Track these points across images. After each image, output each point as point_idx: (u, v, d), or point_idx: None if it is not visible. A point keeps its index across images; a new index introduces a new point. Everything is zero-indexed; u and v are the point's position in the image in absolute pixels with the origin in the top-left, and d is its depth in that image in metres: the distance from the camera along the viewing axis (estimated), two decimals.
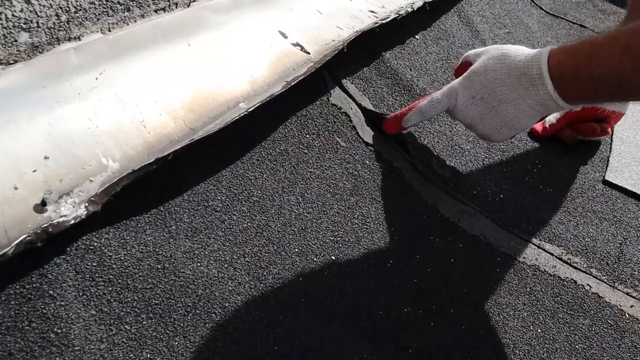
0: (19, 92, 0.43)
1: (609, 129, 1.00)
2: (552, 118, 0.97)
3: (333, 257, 0.62)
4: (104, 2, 0.50)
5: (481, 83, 0.66)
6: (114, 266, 0.48)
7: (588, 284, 0.71)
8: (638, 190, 0.91)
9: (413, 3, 0.88)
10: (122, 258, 0.48)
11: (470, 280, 0.66)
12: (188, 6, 0.59)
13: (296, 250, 0.61)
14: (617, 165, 0.96)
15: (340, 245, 0.64)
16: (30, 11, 0.44)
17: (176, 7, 0.58)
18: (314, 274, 0.59)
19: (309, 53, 0.68)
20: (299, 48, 0.68)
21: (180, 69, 0.56)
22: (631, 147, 1.02)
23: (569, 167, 0.92)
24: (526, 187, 0.84)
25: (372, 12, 0.82)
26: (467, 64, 0.72)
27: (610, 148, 1.00)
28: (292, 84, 0.62)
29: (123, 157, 0.48)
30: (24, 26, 0.45)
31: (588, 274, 0.73)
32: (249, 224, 0.59)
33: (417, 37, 1.02)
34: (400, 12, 0.83)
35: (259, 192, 0.62)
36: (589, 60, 0.57)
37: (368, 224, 0.68)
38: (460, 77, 0.70)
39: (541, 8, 1.55)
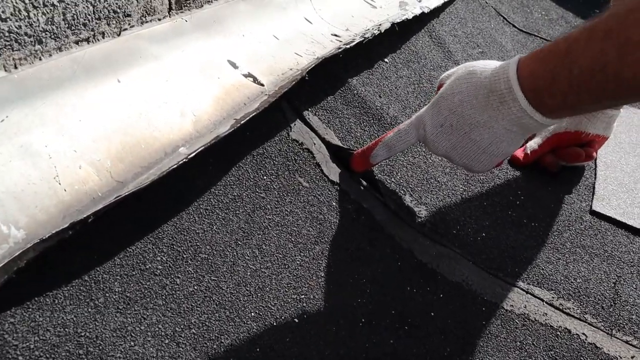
0: None
1: (594, 153, 0.95)
2: (533, 144, 0.92)
3: (296, 320, 0.55)
4: (6, 34, 0.42)
5: (449, 108, 0.60)
6: (20, 359, 0.39)
7: (583, 333, 0.65)
8: (628, 219, 0.86)
9: (380, 25, 0.82)
10: (33, 346, 0.40)
11: (453, 337, 0.59)
12: (118, 35, 0.52)
13: (252, 314, 0.53)
14: (603, 193, 0.91)
15: (304, 304, 0.56)
16: None
17: (103, 38, 0.51)
18: (273, 342, 0.52)
19: (262, 85, 0.61)
20: (252, 79, 0.61)
21: (106, 111, 0.48)
22: (616, 172, 0.97)
23: (554, 197, 0.87)
24: (509, 222, 0.78)
25: (335, 35, 0.76)
26: (441, 88, 0.66)
27: (595, 174, 0.95)
28: (242, 122, 0.55)
29: (30, 222, 0.40)
30: None
31: (582, 320, 0.67)
32: (195, 288, 0.51)
33: (386, 60, 0.96)
34: (366, 35, 0.77)
35: (208, 247, 0.55)
36: (565, 59, 0.50)
37: (335, 276, 0.60)
38: (428, 105, 0.63)
39: (514, 26, 1.51)
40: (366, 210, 0.69)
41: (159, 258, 0.51)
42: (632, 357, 0.64)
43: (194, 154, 0.50)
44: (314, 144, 0.71)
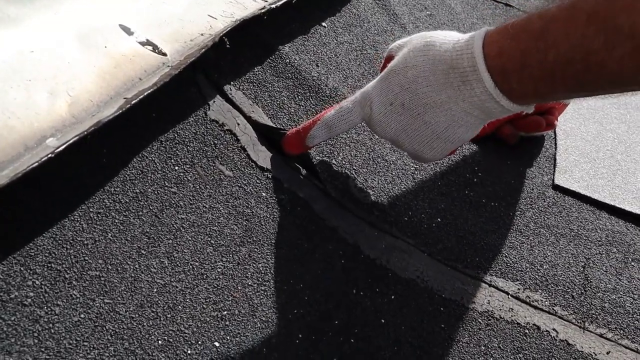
0: None
1: (555, 121, 0.88)
2: None
3: (217, 344, 0.45)
4: None
5: (400, 84, 0.50)
6: None
7: (554, 329, 0.58)
8: (592, 193, 0.79)
9: None
10: None
11: (408, 348, 0.51)
12: None
13: (160, 342, 0.43)
14: (565, 165, 0.84)
15: (228, 322, 0.46)
16: None
17: None
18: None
19: (164, 54, 0.50)
20: (151, 48, 0.50)
21: None
22: (577, 140, 0.91)
23: (514, 171, 0.79)
24: (467, 203, 0.70)
25: None
26: (390, 60, 0.56)
27: (556, 144, 0.88)
28: (134, 101, 0.43)
29: None
30: None
31: (552, 314, 0.59)
32: (82, 316, 0.41)
33: (324, 24, 0.85)
34: None
35: (100, 262, 0.44)
36: (540, 40, 0.42)
37: (267, 283, 0.50)
38: (376, 79, 0.54)
39: None
40: (303, 200, 0.59)
41: (30, 282, 0.40)
42: (607, 353, 0.57)
43: (65, 145, 0.38)
44: (238, 124, 0.60)
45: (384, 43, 0.94)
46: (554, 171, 0.82)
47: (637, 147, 0.94)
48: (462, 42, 0.47)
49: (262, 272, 0.51)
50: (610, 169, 0.86)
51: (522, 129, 0.83)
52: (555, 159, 0.84)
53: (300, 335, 0.48)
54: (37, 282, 0.40)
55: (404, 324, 0.53)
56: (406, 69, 0.50)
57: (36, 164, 0.36)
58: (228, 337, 0.46)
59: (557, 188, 0.79)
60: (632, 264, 0.69)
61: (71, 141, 0.38)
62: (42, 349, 0.38)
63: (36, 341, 0.38)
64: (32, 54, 0.42)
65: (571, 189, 0.79)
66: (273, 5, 0.62)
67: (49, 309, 0.40)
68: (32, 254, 0.41)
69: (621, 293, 0.64)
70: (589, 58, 0.39)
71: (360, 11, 0.97)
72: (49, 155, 0.37)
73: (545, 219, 0.72)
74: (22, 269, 0.40)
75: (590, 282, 0.64)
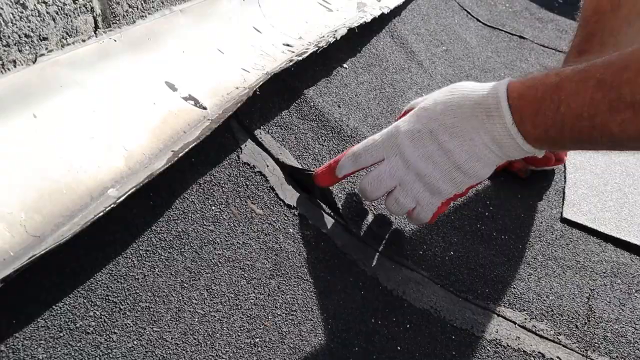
0: None
1: (565, 157, 0.93)
2: None
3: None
4: None
5: (429, 116, 0.56)
6: None
7: (558, 357, 0.62)
8: (599, 226, 0.84)
9: (336, 31, 0.78)
10: None
11: None
12: (33, 62, 0.46)
13: (193, 343, 0.48)
14: (574, 198, 0.88)
15: (260, 348, 0.52)
16: None
17: (14, 66, 0.45)
18: None
19: (205, 108, 0.56)
20: (192, 102, 0.56)
21: (19, 152, 0.43)
22: (586, 174, 0.95)
23: (524, 205, 0.84)
24: (478, 237, 0.75)
25: (288, 45, 0.71)
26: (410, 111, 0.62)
27: (565, 178, 0.93)
28: (180, 154, 0.50)
29: None
30: None
31: (556, 342, 0.64)
32: (135, 343, 0.47)
33: (345, 66, 0.92)
34: (321, 44, 0.73)
35: (149, 294, 0.50)
36: (555, 93, 0.48)
37: (294, 313, 0.56)
38: (405, 115, 0.60)
39: (478, 20, 1.49)
40: (326, 235, 0.64)
41: (91, 313, 0.46)
42: None
43: (124, 196, 0.44)
44: (267, 165, 0.66)
45: (401, 81, 1.00)
46: (563, 204, 0.87)
47: None
48: (488, 85, 0.54)
49: (290, 302, 0.57)
50: (617, 202, 0.90)
51: (532, 163, 0.89)
52: (564, 193, 0.89)
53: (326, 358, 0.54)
54: (97, 313, 0.46)
55: (418, 351, 0.58)
56: (435, 104, 0.56)
57: (101, 213, 0.42)
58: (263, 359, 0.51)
59: (565, 221, 0.84)
60: (636, 294, 0.73)
61: (129, 192, 0.45)
62: None
63: (145, 341, 0.44)
64: (94, 114, 0.49)
65: (579, 221, 0.84)
66: (300, 57, 0.68)
67: (107, 337, 0.46)
68: (93, 288, 0.47)
69: (623, 323, 0.68)
70: (595, 118, 0.45)
71: (379, 51, 1.04)
72: (112, 205, 0.43)
73: (553, 251, 0.77)
74: (84, 301, 0.46)
75: (594, 312, 0.69)
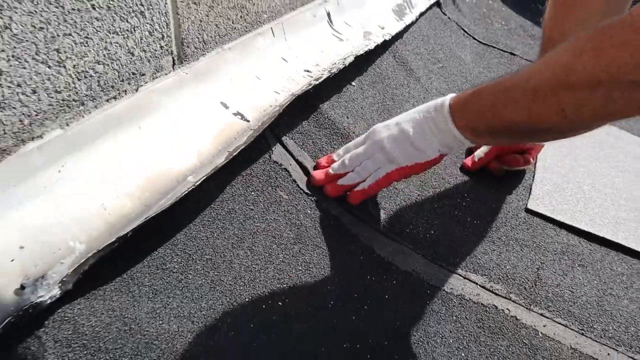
0: None
1: (531, 159, 1.14)
2: (480, 152, 1.11)
3: (280, 303, 0.73)
4: (61, 101, 0.60)
5: (399, 116, 0.85)
6: (87, 332, 0.57)
7: (507, 308, 0.84)
8: (556, 215, 1.05)
9: (345, 59, 1.01)
10: (94, 324, 0.58)
11: (402, 314, 0.78)
12: (136, 91, 0.70)
13: (246, 299, 0.71)
14: (539, 193, 1.10)
15: (287, 291, 0.75)
16: None
17: (125, 94, 0.69)
18: (263, 320, 0.70)
19: (248, 121, 0.79)
20: (240, 117, 0.79)
21: (133, 152, 0.66)
22: (553, 173, 1.17)
23: (496, 197, 1.06)
24: (455, 220, 0.97)
25: (307, 71, 0.94)
26: None
27: (534, 177, 1.14)
28: (234, 153, 0.73)
29: (88, 239, 0.58)
30: None
31: (507, 299, 0.86)
32: (203, 281, 0.70)
33: (353, 84, 1.15)
34: (333, 70, 0.96)
35: (211, 250, 0.73)
36: (476, 94, 0.76)
37: (311, 269, 0.79)
38: None
39: (474, 38, 1.70)
40: (335, 216, 0.87)
41: (175, 259, 0.69)
42: (544, 326, 0.83)
43: (199, 181, 0.68)
44: (290, 164, 0.89)
45: (400, 95, 1.22)
46: (529, 198, 1.08)
47: (603, 179, 1.20)
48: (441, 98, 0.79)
49: (308, 262, 0.80)
50: (575, 197, 1.12)
51: (505, 164, 1.11)
52: (531, 188, 1.11)
53: (331, 302, 0.76)
54: (178, 259, 0.70)
55: (401, 299, 0.80)
56: (405, 112, 0.82)
57: (186, 191, 0.66)
58: (287, 301, 0.74)
59: (528, 211, 1.06)
60: (578, 268, 0.95)
61: (202, 179, 0.68)
62: (184, 298, 0.67)
63: (180, 292, 0.67)
64: (176, 126, 0.72)
65: (540, 211, 1.05)
66: (317, 82, 0.91)
67: (185, 276, 0.69)
68: (175, 243, 0.71)
69: (563, 287, 0.90)
70: (495, 110, 0.69)
71: (382, 69, 1.26)
72: (191, 188, 0.67)
73: (515, 234, 0.99)
74: (170, 252, 0.70)
75: (541, 279, 0.91)
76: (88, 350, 0.57)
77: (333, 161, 0.89)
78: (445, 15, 1.73)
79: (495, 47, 1.70)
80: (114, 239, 0.59)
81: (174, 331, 0.64)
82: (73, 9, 0.59)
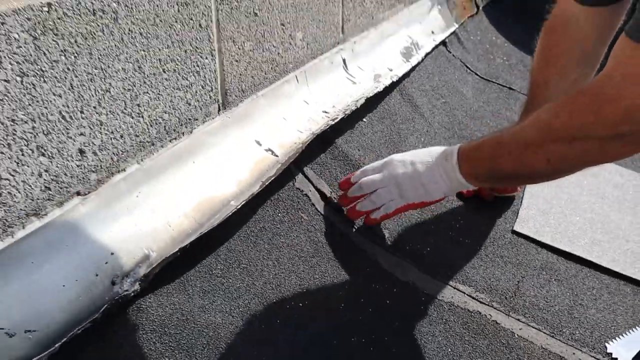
0: (95, 216, 0.73)
1: (519, 188, 1.32)
2: None
3: (300, 304, 0.92)
4: (139, 142, 0.80)
5: (413, 154, 1.00)
6: (155, 320, 0.76)
7: (489, 314, 1.02)
8: (539, 236, 1.23)
9: (357, 101, 1.20)
10: (160, 314, 0.77)
11: (401, 316, 0.96)
12: (191, 133, 0.90)
13: (274, 300, 0.90)
14: (525, 217, 1.28)
15: (306, 295, 0.93)
16: (95, 159, 0.74)
17: (183, 135, 0.89)
18: (286, 317, 0.89)
19: (277, 156, 0.99)
20: (270, 152, 0.99)
21: (189, 182, 0.86)
22: (538, 199, 1.35)
23: (486, 220, 1.24)
24: (449, 240, 1.15)
25: (325, 112, 1.14)
26: None
27: (521, 202, 1.32)
28: (267, 183, 0.92)
29: (158, 248, 0.77)
30: (93, 169, 0.74)
31: (490, 306, 1.03)
32: (240, 284, 0.89)
33: (364, 120, 1.34)
34: (347, 112, 1.15)
35: (246, 260, 0.92)
36: (478, 147, 0.92)
37: (326, 278, 0.97)
38: None
39: (476, 74, 1.89)
40: (346, 234, 1.06)
41: (219, 267, 0.88)
42: (520, 329, 1.00)
43: (240, 205, 0.87)
44: (310, 190, 1.08)
45: (406, 129, 1.41)
46: (515, 221, 1.26)
47: (584, 205, 1.37)
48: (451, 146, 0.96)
49: (323, 272, 0.98)
50: (557, 221, 1.29)
51: (495, 190, 1.29)
52: (518, 213, 1.29)
53: (342, 305, 0.95)
54: (221, 267, 0.89)
55: (400, 305, 0.98)
56: (419, 150, 0.99)
57: (229, 213, 0.85)
58: (307, 302, 0.92)
59: (514, 232, 1.23)
60: (554, 282, 1.12)
61: (242, 203, 0.87)
62: (225, 297, 0.86)
63: (223, 293, 0.86)
64: (221, 160, 0.92)
65: (525, 233, 1.23)
66: (333, 122, 1.11)
67: (226, 280, 0.88)
68: (219, 254, 0.90)
69: (539, 298, 1.07)
70: (494, 160, 0.87)
71: (390, 106, 1.46)
72: (233, 210, 0.86)
73: (501, 252, 1.16)
74: (214, 260, 0.89)
75: (520, 290, 1.08)
76: (156, 334, 0.76)
77: (351, 183, 1.05)
78: (450, 52, 1.92)
79: (495, 83, 1.88)
80: (176, 249, 0.78)
81: (219, 322, 0.82)
82: (151, 73, 0.79)
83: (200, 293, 0.84)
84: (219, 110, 0.96)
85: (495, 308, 1.03)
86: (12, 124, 0.62)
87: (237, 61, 0.96)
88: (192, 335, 0.79)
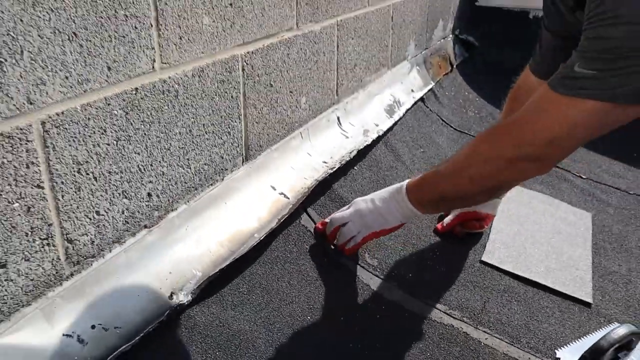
0: (158, 244, 0.97)
1: (485, 225, 1.58)
2: (447, 219, 1.55)
3: (309, 317, 1.15)
4: (186, 188, 1.05)
5: (373, 194, 1.23)
6: (201, 325, 0.99)
7: (461, 327, 1.26)
8: (503, 265, 1.48)
9: (350, 152, 1.47)
10: (204, 321, 1.00)
11: (387, 328, 1.20)
12: (222, 180, 1.15)
13: (288, 313, 1.13)
14: (491, 249, 1.53)
15: (313, 309, 1.17)
16: (158, 201, 0.98)
17: (217, 182, 1.14)
18: (299, 326, 1.12)
19: (289, 198, 1.24)
20: (283, 195, 1.24)
21: (222, 218, 1.10)
22: (503, 235, 1.60)
23: (458, 252, 1.49)
24: (428, 268, 1.40)
25: (325, 162, 1.40)
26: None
27: (488, 237, 1.58)
28: (281, 220, 1.17)
29: (203, 269, 1.01)
30: (156, 208, 0.99)
31: (461, 321, 1.27)
32: (261, 300, 1.12)
33: (355, 167, 1.60)
34: (342, 161, 1.41)
35: (265, 281, 1.16)
36: (424, 178, 1.16)
37: (328, 297, 1.21)
38: None
39: (450, 126, 2.17)
40: (343, 263, 1.30)
41: (244, 286, 1.12)
42: (485, 339, 1.24)
43: (261, 238, 1.12)
44: (313, 227, 1.33)
45: (390, 176, 1.68)
46: (483, 253, 1.51)
47: (542, 240, 1.63)
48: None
49: (325, 298, 1.22)
50: (518, 252, 1.54)
51: (466, 228, 1.54)
52: (485, 246, 1.54)
53: (342, 317, 1.18)
54: (246, 286, 1.12)
55: (385, 320, 1.22)
56: (374, 193, 1.23)
57: (254, 243, 1.09)
58: (314, 314, 1.15)
59: (482, 262, 1.48)
60: (514, 302, 1.37)
61: (263, 236, 1.11)
62: (251, 310, 1.09)
63: (249, 306, 1.09)
64: (245, 203, 1.16)
65: (491, 262, 1.48)
66: (331, 170, 1.36)
67: (249, 300, 1.11)
68: (244, 276, 1.13)
69: (502, 315, 1.31)
70: (432, 186, 1.12)
71: (377, 155, 1.72)
72: (257, 241, 1.10)
73: (471, 278, 1.41)
74: (240, 281, 1.12)
75: (486, 309, 1.32)
76: (201, 335, 0.99)
77: (326, 223, 1.29)
78: (428, 107, 2.21)
79: (468, 134, 2.16)
80: (217, 270, 1.02)
81: (247, 329, 1.05)
82: (197, 135, 1.04)
83: (232, 306, 1.07)
84: (243, 162, 1.22)
85: (465, 322, 1.27)
86: (109, 174, 0.86)
87: (257, 122, 1.22)
88: (227, 338, 1.01)
